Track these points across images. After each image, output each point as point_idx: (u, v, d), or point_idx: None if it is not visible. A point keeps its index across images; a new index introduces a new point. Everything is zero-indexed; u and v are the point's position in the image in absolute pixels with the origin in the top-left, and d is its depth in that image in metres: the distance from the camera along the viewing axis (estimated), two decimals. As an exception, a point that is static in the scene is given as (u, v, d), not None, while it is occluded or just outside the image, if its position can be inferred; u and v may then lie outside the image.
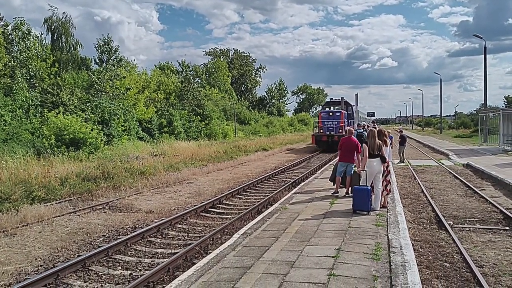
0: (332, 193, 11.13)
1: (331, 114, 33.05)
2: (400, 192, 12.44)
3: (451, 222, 9.41)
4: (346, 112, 34.26)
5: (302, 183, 14.12)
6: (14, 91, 23.84)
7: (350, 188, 10.67)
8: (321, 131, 32.52)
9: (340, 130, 30.76)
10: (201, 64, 64.33)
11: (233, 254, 6.29)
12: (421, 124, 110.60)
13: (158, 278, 6.48)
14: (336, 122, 31.97)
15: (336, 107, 36.19)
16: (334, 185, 11.41)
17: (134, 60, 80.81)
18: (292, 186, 15.45)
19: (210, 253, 6.78)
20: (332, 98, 41.82)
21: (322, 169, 18.20)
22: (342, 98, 34.61)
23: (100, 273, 6.88)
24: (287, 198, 11.09)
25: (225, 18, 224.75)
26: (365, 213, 8.66)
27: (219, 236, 8.84)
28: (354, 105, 34.77)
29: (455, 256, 7.17)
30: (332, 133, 31.84)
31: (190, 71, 57.67)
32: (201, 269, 5.67)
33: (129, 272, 6.94)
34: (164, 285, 5.74)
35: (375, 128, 10.99)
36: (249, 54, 79.18)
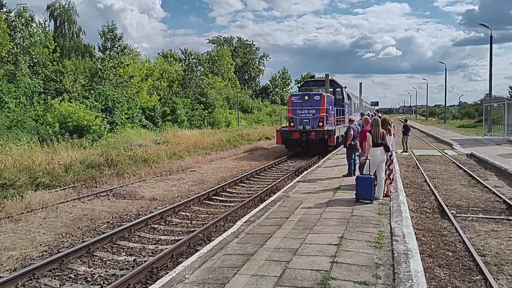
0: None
1: (306, 98, 21.25)
2: (403, 182, 12.43)
3: (454, 212, 9.41)
4: (333, 97, 23.71)
5: (305, 172, 14.13)
6: (18, 78, 23.85)
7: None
8: (292, 124, 21.40)
9: (321, 124, 20.67)
10: (205, 52, 64.08)
11: (236, 241, 6.32)
12: (425, 114, 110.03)
13: (161, 264, 6.54)
14: (314, 111, 20.87)
15: (319, 89, 24.44)
16: None
17: (137, 48, 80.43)
18: (295, 174, 15.47)
19: (213, 240, 6.82)
20: (313, 77, 31.34)
21: (325, 158, 18.20)
22: (327, 75, 24.52)
23: (104, 259, 6.95)
24: (290, 186, 11.10)
25: (229, 6, 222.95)
26: (368, 202, 8.67)
27: (222, 224, 8.88)
28: (344, 87, 26.21)
29: (457, 245, 7.18)
30: (307, 127, 20.90)
31: (193, 59, 57.47)
32: (204, 255, 5.70)
33: (133, 258, 7.00)
34: (168, 271, 5.79)
35: (379, 117, 10.92)
36: (253, 42, 78.72)
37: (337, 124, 22.95)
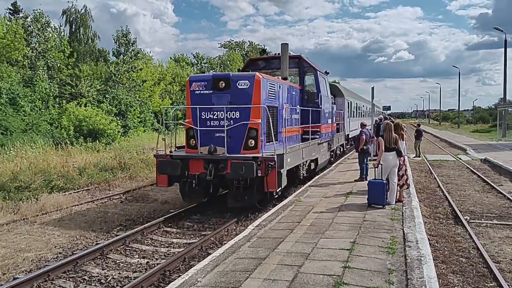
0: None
1: (221, 86, 9.55)
2: (416, 187, 12.33)
3: (468, 217, 9.30)
4: (297, 88, 13.11)
5: (317, 176, 14.10)
6: (35, 83, 24.29)
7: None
8: (192, 142, 9.98)
9: (251, 143, 9.44)
10: (216, 57, 64.40)
11: (248, 245, 6.34)
12: (438, 119, 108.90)
13: (174, 267, 6.58)
14: (236, 115, 9.52)
15: (270, 70, 13.52)
16: None
17: (150, 52, 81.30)
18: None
19: (225, 244, 6.85)
20: (266, 50, 16.00)
21: (337, 162, 18.11)
22: (285, 45, 12.38)
23: (117, 261, 7.02)
24: (301, 191, 11.10)
25: (240, 10, 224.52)
26: (380, 207, 8.62)
27: (234, 228, 8.91)
28: (325, 73, 15.18)
29: (471, 252, 7.10)
30: (219, 150, 9.47)
31: (205, 64, 57.82)
32: (216, 259, 5.74)
33: (146, 260, 7.07)
34: (180, 274, 5.83)
35: (392, 121, 10.90)
36: (264, 46, 78.85)
37: (301, 139, 12.54)
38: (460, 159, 21.54)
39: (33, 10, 31.07)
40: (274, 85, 10.46)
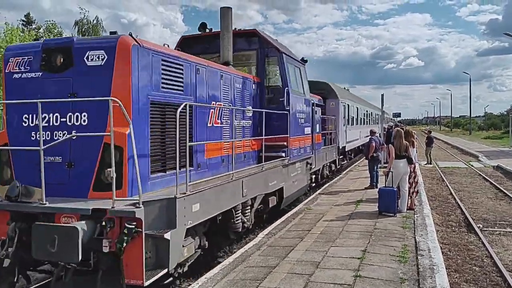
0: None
1: (59, 61, 4.90)
2: (428, 194, 12.20)
3: (481, 225, 9.17)
4: (248, 80, 8.32)
5: (327, 184, 14.03)
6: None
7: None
8: (6, 172, 5.08)
9: (111, 174, 4.23)
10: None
11: (258, 253, 6.32)
12: (449, 125, 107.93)
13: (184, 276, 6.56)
14: (85, 120, 4.82)
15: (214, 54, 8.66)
16: None
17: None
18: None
19: (235, 252, 6.84)
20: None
21: (347, 169, 18.02)
22: (228, 9, 8.20)
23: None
24: (311, 199, 11.05)
25: (249, 19, 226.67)
26: (391, 214, 8.54)
27: (244, 236, 8.88)
28: (302, 62, 10.95)
29: (484, 260, 6.98)
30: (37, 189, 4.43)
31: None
32: (226, 268, 5.72)
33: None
34: (190, 283, 5.83)
35: (403, 128, 10.84)
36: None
37: (257, 158, 8.58)
38: (472, 166, 21.30)
39: (45, 21, 31.61)
40: (180, 64, 5.82)
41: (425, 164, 21.17)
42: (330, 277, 5.13)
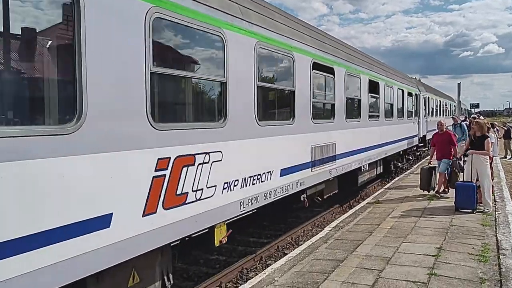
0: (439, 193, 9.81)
1: None
2: (510, 190, 11.26)
3: None
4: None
5: (397, 178, 13.47)
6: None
7: (442, 186, 9.79)
8: None
9: None
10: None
11: (325, 246, 6.24)
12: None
13: (251, 265, 6.67)
14: None
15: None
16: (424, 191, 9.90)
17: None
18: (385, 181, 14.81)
19: (301, 244, 6.80)
20: None
21: (418, 163, 17.16)
22: None
23: (198, 258, 7.27)
24: (379, 193, 10.68)
25: (313, 11, 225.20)
26: (469, 211, 7.99)
27: (310, 228, 8.81)
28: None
29: None
30: None
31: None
32: (293, 259, 5.71)
33: (224, 257, 7.24)
34: (257, 273, 5.89)
35: (480, 120, 9.96)
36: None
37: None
38: (562, 160, 19.30)
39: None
40: None
41: (509, 158, 19.55)
42: (402, 273, 4.91)
